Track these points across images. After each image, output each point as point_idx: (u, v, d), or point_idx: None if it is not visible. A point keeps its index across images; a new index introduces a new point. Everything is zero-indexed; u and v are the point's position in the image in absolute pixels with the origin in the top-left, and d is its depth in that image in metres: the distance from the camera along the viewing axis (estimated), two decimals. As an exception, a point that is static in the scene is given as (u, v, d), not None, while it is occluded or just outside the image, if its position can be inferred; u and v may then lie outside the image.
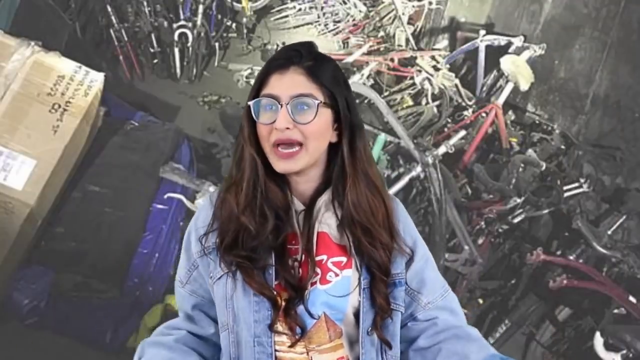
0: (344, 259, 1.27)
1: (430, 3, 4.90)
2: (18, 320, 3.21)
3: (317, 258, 1.25)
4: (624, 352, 3.34)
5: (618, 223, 3.87)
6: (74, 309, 3.24)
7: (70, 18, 4.39)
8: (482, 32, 4.44)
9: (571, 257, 3.73)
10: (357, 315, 1.28)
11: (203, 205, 1.36)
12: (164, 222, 3.38)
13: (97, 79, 3.30)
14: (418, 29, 5.03)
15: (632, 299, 3.51)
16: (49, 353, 3.19)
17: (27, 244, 3.21)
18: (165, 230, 3.37)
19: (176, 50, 4.74)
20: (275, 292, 1.23)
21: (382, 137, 3.82)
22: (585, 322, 3.70)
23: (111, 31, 4.59)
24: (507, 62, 4.17)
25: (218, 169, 3.98)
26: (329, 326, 1.24)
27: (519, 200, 3.84)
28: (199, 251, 1.31)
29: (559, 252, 3.85)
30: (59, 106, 3.15)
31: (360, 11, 5.10)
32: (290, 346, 1.24)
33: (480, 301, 4.04)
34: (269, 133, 1.23)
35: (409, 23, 4.89)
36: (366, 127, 3.94)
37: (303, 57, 1.25)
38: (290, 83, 1.23)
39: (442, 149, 3.78)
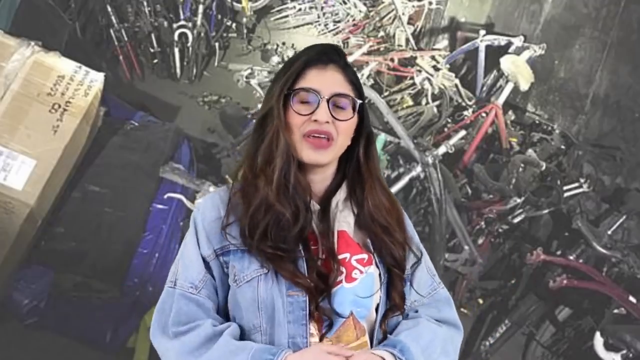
0: (365, 256, 1.29)
1: (430, 3, 4.90)
2: (18, 320, 3.21)
3: (341, 256, 1.26)
4: (624, 352, 3.34)
5: (618, 223, 3.87)
6: (74, 309, 3.24)
7: (70, 18, 4.39)
8: (482, 32, 4.44)
9: (571, 257, 3.73)
10: (377, 310, 1.30)
11: (208, 203, 1.32)
12: (164, 222, 3.38)
13: (97, 79, 3.30)
14: (418, 29, 5.02)
15: (632, 299, 3.51)
16: (49, 353, 3.19)
17: (27, 244, 3.21)
18: (165, 230, 3.37)
19: (176, 50, 4.73)
20: (309, 281, 1.22)
21: (382, 137, 3.82)
22: (585, 322, 3.70)
23: (111, 31, 4.58)
24: (507, 62, 4.17)
25: (218, 169, 3.97)
26: (356, 324, 1.25)
27: (519, 200, 3.84)
28: (211, 254, 1.29)
29: (559, 252, 3.86)
30: (59, 106, 3.15)
31: (360, 11, 5.09)
32: (319, 340, 1.24)
33: (480, 301, 4.04)
34: (303, 123, 1.26)
35: (409, 23, 4.89)
36: (366, 127, 3.97)
37: (340, 57, 1.32)
38: (331, 80, 1.28)
39: (442, 149, 3.79)
